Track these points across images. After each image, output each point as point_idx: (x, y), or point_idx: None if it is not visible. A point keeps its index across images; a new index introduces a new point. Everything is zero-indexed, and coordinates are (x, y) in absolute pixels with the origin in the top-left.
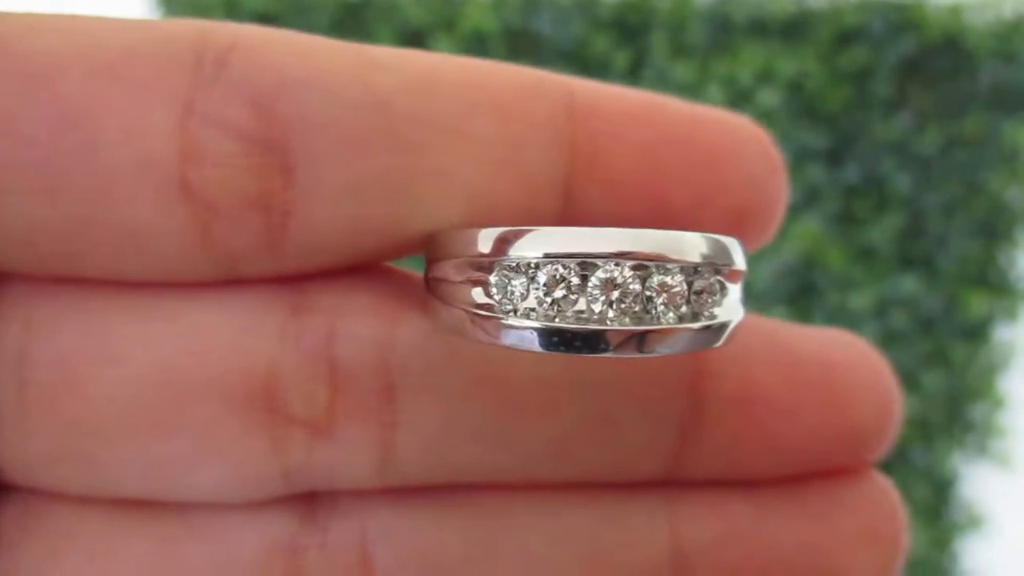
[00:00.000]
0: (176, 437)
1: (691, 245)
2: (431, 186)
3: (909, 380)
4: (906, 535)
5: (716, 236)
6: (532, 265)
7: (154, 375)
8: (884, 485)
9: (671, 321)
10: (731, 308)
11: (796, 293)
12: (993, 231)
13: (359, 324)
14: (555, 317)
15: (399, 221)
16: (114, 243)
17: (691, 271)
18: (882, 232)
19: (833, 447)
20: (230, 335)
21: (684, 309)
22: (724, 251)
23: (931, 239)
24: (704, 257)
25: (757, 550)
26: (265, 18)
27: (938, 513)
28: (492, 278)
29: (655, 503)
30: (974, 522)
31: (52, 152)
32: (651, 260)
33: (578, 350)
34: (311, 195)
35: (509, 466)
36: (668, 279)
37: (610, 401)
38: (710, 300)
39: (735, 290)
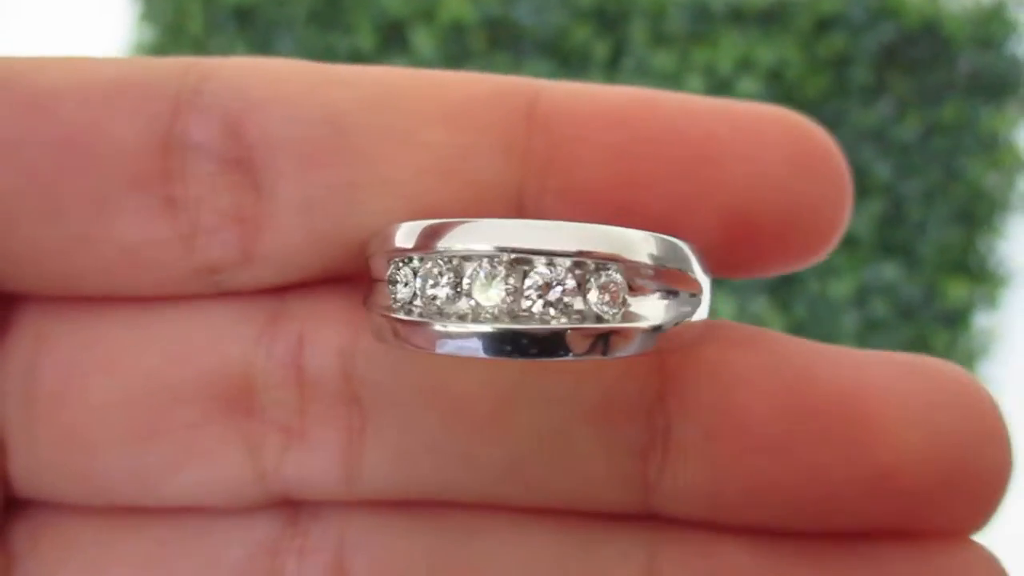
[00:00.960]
0: (159, 443)
1: (631, 242)
2: (376, 195)
3: None
4: None
5: (663, 236)
6: (460, 260)
7: (140, 382)
8: (970, 562)
9: (613, 320)
10: (680, 311)
11: (777, 282)
12: (972, 218)
13: (325, 332)
14: (484, 317)
15: (351, 231)
16: (109, 259)
17: (633, 269)
18: (862, 220)
19: (864, 499)
20: (210, 341)
21: (632, 308)
22: (672, 252)
23: (911, 226)
24: (649, 256)
25: None
26: (242, 11)
27: None
28: (416, 279)
29: (632, 540)
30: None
31: (54, 176)
32: (589, 257)
33: (532, 355)
34: (277, 209)
35: (469, 484)
36: (609, 277)
37: (563, 420)
38: (652, 299)
39: (701, 294)
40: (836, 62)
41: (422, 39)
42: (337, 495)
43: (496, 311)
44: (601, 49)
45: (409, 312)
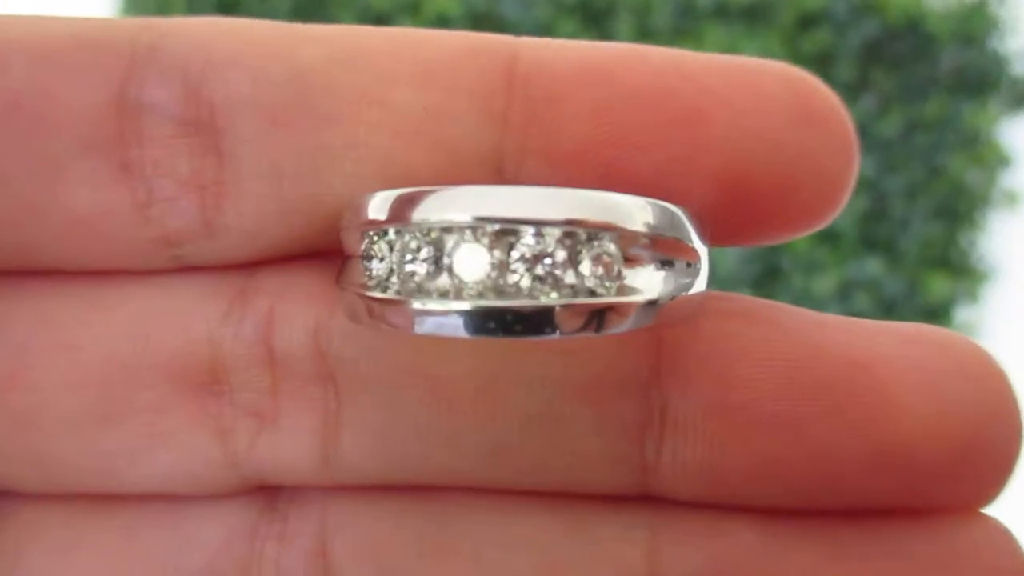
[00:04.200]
0: (122, 426)
1: (626, 209)
2: (346, 160)
3: None
4: None
5: (659, 202)
6: (439, 232)
7: (97, 363)
8: (989, 534)
9: (608, 293)
10: (674, 282)
11: (761, 276)
12: (954, 214)
13: (297, 308)
14: (467, 293)
15: (321, 201)
16: (60, 229)
17: (628, 239)
18: (845, 215)
19: (872, 475)
20: (175, 319)
21: (627, 281)
22: (669, 220)
23: (893, 222)
24: (645, 225)
25: None
26: (225, 4)
27: None
28: (393, 253)
29: (630, 520)
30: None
31: (1, 140)
32: (580, 226)
33: (518, 333)
34: (240, 175)
35: (455, 467)
36: (602, 247)
37: (553, 399)
38: (649, 271)
39: (699, 264)
40: (819, 58)
41: None
42: (315, 480)
43: (480, 287)
44: None
45: (385, 290)
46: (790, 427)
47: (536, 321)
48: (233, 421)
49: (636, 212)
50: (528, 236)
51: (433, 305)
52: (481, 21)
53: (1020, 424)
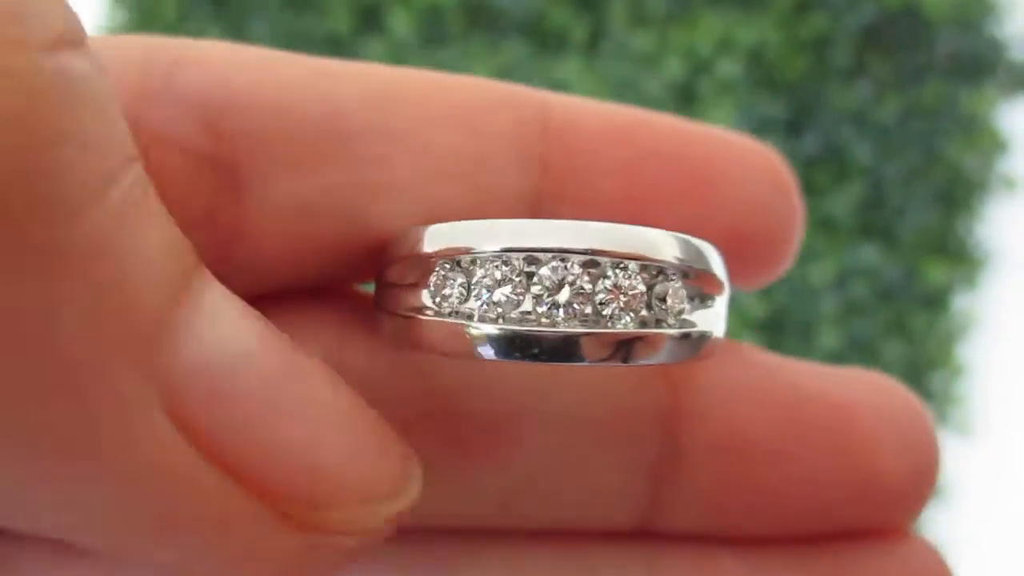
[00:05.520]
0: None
1: (653, 242)
2: (386, 202)
3: (870, 350)
4: None
5: (687, 236)
6: (472, 262)
7: None
8: (925, 553)
9: (629, 326)
10: (708, 319)
11: None
12: (952, 200)
13: (310, 342)
14: (496, 319)
15: (353, 239)
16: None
17: (653, 272)
18: (842, 202)
19: (851, 503)
20: None
21: (645, 314)
22: (696, 254)
23: (891, 209)
24: (673, 257)
25: None
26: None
27: None
28: (432, 278)
29: (629, 555)
30: (936, 491)
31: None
32: (605, 256)
33: (541, 359)
34: (261, 213)
35: (467, 510)
36: (624, 279)
37: (574, 441)
38: (677, 306)
39: (716, 301)
40: (816, 43)
41: (398, 21)
42: None
43: (509, 315)
44: (580, 31)
45: (423, 315)
46: (787, 462)
47: (564, 349)
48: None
49: (664, 244)
50: (550, 267)
51: (472, 330)
52: (473, 8)
53: (938, 455)
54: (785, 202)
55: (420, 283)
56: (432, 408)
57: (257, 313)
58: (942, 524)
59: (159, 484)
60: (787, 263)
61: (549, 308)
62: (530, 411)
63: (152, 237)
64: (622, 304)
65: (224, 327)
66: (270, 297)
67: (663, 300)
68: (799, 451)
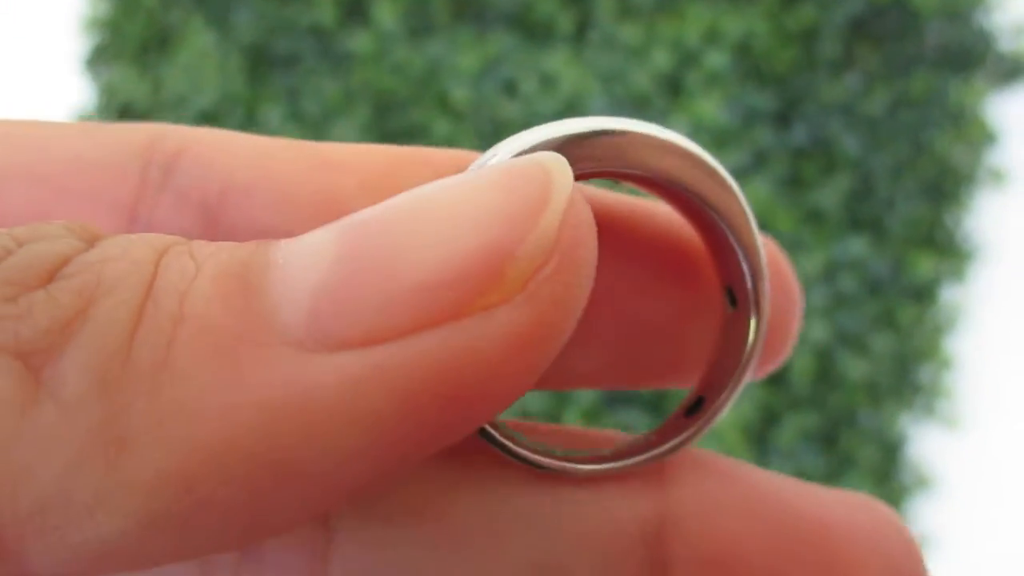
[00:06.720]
0: None
1: None
2: None
3: (858, 343)
4: None
5: None
6: None
7: None
8: None
9: None
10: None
11: None
12: (940, 192)
13: None
14: None
15: None
16: None
17: None
18: (830, 194)
19: None
20: None
21: None
22: None
23: (879, 201)
24: None
25: None
26: None
27: (887, 475)
28: None
29: None
30: (923, 483)
31: None
32: None
33: None
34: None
35: None
36: None
37: (560, 550)
38: None
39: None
40: (804, 35)
41: (384, 12)
42: None
43: None
44: (566, 22)
45: None
46: None
47: None
48: (212, 559)
49: None
50: None
51: None
52: (460, 1)
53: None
54: None
55: None
56: (417, 504)
57: None
58: (929, 517)
59: None
60: None
61: None
62: (516, 517)
63: None
64: None
65: None
66: None
67: None
68: (787, 569)
